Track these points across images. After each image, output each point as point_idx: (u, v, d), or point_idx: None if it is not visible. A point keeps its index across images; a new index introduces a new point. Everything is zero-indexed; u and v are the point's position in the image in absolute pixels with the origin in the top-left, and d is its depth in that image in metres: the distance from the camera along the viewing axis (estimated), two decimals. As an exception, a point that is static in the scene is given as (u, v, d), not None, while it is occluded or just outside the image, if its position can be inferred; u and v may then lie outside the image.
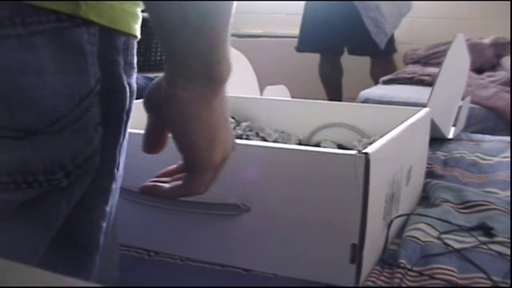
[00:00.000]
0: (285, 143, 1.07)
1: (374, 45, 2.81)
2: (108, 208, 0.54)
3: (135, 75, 0.54)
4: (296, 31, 3.09)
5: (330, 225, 0.68)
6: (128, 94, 0.51)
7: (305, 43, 3.00)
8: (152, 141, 0.57)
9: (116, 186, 0.55)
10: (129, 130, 0.56)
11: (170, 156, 0.77)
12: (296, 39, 3.07)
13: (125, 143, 0.55)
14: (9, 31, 0.41)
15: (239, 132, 1.11)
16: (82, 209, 0.51)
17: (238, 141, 0.74)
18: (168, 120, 0.49)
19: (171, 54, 0.46)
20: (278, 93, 1.43)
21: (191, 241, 0.77)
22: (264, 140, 1.08)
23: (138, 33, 0.52)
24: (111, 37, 0.48)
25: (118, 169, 0.54)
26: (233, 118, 1.16)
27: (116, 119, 0.51)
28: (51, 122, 0.43)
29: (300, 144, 1.12)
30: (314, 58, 3.05)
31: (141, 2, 0.50)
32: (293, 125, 1.15)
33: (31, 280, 0.25)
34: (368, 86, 2.65)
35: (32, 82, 0.42)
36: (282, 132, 1.13)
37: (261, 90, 1.42)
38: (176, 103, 0.47)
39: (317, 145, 1.11)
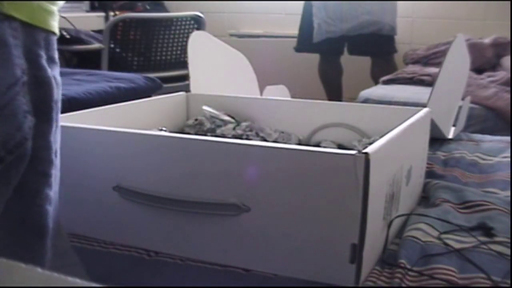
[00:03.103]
0: (285, 143, 1.07)
1: (375, 44, 2.82)
2: (51, 193, 0.57)
3: (58, 69, 0.58)
4: (296, 31, 3.09)
5: (330, 225, 0.68)
6: (54, 85, 0.55)
7: (303, 43, 3.00)
8: None
9: (55, 172, 0.58)
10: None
11: (170, 156, 0.77)
12: (296, 39, 3.07)
13: (58, 132, 0.59)
14: None
15: (239, 132, 1.11)
16: (28, 194, 0.55)
17: (238, 141, 0.75)
18: None
19: None
20: (278, 93, 1.43)
21: (191, 241, 0.77)
22: (264, 140, 1.08)
23: (56, 30, 0.57)
24: (32, 33, 0.53)
25: (56, 155, 0.58)
26: (233, 118, 1.16)
27: (46, 107, 0.55)
28: None
29: (300, 144, 1.12)
30: (314, 58, 3.05)
31: (58, 2, 0.57)
32: (293, 125, 1.15)
33: (31, 280, 0.25)
34: (368, 86, 2.65)
35: None
36: (282, 132, 1.13)
37: (261, 90, 1.42)
38: None
39: (317, 145, 1.11)
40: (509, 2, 2.99)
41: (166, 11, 3.74)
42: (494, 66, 2.77)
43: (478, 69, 2.63)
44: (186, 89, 1.25)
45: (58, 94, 0.57)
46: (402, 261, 0.72)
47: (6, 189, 0.52)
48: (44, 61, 0.54)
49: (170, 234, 0.78)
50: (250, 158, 0.71)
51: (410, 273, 0.70)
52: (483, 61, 2.73)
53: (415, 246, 0.76)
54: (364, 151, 0.64)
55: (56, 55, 0.57)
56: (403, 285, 0.68)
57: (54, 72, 0.56)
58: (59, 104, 0.58)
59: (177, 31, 2.64)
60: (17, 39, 0.50)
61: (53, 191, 0.58)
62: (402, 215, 0.84)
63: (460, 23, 3.28)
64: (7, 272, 0.25)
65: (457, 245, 0.76)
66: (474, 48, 2.54)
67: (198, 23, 2.69)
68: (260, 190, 0.71)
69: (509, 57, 2.68)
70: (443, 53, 1.29)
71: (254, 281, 0.72)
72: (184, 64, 2.66)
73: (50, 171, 0.57)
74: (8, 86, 0.49)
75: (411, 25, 3.43)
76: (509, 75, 2.44)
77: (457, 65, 1.39)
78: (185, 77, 1.31)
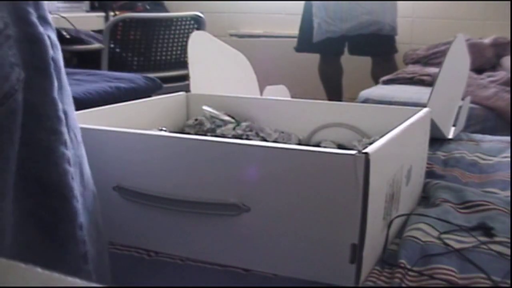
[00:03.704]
0: (285, 143, 1.07)
1: (376, 44, 2.82)
2: (68, 153, 0.56)
3: (52, 31, 0.58)
4: (296, 31, 3.09)
5: (330, 225, 0.68)
6: (48, 42, 0.55)
7: (304, 43, 3.01)
8: None
9: (73, 135, 0.58)
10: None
11: (170, 156, 0.77)
12: (296, 39, 3.07)
13: (68, 93, 0.59)
14: None
15: (239, 132, 1.11)
16: (41, 153, 0.54)
17: (238, 141, 0.75)
18: None
19: None
20: (278, 93, 1.43)
21: (191, 241, 0.77)
22: (264, 140, 1.08)
23: None
24: None
25: (67, 116, 0.57)
26: (233, 118, 1.16)
27: (43, 63, 0.55)
28: None
29: (300, 144, 1.12)
30: (314, 58, 3.05)
31: None
32: (293, 125, 1.15)
33: (31, 280, 0.25)
34: (368, 86, 2.65)
35: None
36: (282, 132, 1.13)
37: (261, 90, 1.42)
38: None
39: (317, 145, 1.11)
40: (509, 2, 2.99)
41: (166, 11, 3.74)
42: (494, 66, 2.78)
43: (478, 69, 2.63)
44: (186, 89, 1.25)
45: (57, 53, 0.57)
46: (402, 261, 0.72)
47: (8, 142, 0.51)
48: (34, 18, 0.54)
49: (170, 234, 0.78)
50: (250, 158, 0.71)
51: (410, 273, 0.70)
52: (483, 61, 2.73)
53: (415, 246, 0.76)
54: (364, 151, 0.65)
55: (48, 16, 0.57)
56: (403, 285, 0.68)
57: (48, 32, 0.56)
58: (61, 64, 0.58)
59: (177, 31, 2.64)
60: None
61: (72, 153, 0.57)
62: (402, 215, 0.84)
63: (460, 23, 3.28)
64: (7, 272, 0.25)
65: (457, 245, 0.76)
66: (474, 48, 2.54)
67: (198, 23, 2.69)
68: (260, 190, 0.71)
69: (509, 57, 2.69)
70: (443, 53, 1.29)
71: (254, 281, 0.72)
72: (184, 64, 2.67)
73: (60, 128, 0.56)
74: None
75: (411, 25, 3.44)
76: (509, 75, 2.45)
77: (457, 65, 1.39)
78: (185, 77, 1.31)
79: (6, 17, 0.51)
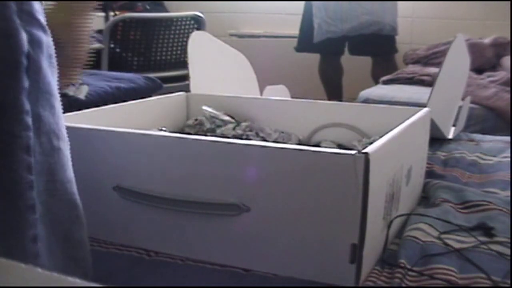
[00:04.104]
0: (285, 143, 1.07)
1: (376, 44, 2.82)
2: (31, 160, 0.52)
3: (41, 29, 0.54)
4: (296, 31, 3.09)
5: (330, 225, 0.68)
6: (25, 39, 0.52)
7: (304, 43, 3.01)
8: None
9: (46, 140, 0.54)
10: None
11: (170, 156, 0.77)
12: (296, 39, 3.07)
13: (47, 96, 0.55)
14: None
15: (239, 132, 1.11)
16: None
17: (238, 141, 0.75)
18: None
19: None
20: (278, 93, 1.43)
21: (191, 241, 0.77)
22: (264, 140, 1.08)
23: None
24: None
25: (39, 120, 0.53)
26: (233, 118, 1.16)
27: (11, 61, 0.51)
28: None
29: (300, 144, 1.12)
30: (314, 58, 3.05)
31: None
32: (293, 125, 1.15)
33: (31, 280, 0.25)
34: (368, 86, 2.65)
35: None
36: (282, 132, 1.13)
37: (261, 90, 1.42)
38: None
39: (317, 145, 1.11)
40: (509, 2, 2.99)
41: (166, 11, 3.74)
42: (494, 66, 2.78)
43: (478, 69, 2.63)
44: (186, 89, 1.25)
45: (36, 52, 0.53)
46: (402, 261, 0.72)
47: None
48: (11, 12, 0.51)
49: (170, 234, 0.78)
50: (250, 158, 0.71)
51: (410, 273, 0.70)
52: (483, 61, 2.73)
53: (415, 246, 0.76)
54: (364, 151, 0.65)
55: (35, 12, 0.54)
56: (403, 285, 0.68)
57: (30, 28, 0.53)
58: (41, 64, 0.54)
59: (177, 31, 2.64)
60: None
61: (37, 160, 0.53)
62: (402, 215, 0.84)
63: (460, 23, 3.28)
64: (7, 272, 0.25)
65: (457, 245, 0.76)
66: (474, 48, 2.54)
67: (198, 23, 2.69)
68: (260, 190, 0.71)
69: (509, 57, 2.69)
70: (443, 53, 1.29)
71: (254, 281, 0.72)
72: (184, 64, 2.67)
73: (20, 133, 0.51)
74: None
75: (411, 25, 3.44)
76: (509, 75, 2.45)
77: (457, 65, 1.39)
78: (185, 77, 1.30)
79: None
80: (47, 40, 0.55)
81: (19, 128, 0.51)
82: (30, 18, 0.53)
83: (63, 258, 0.57)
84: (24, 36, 0.52)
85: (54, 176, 0.55)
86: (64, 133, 0.58)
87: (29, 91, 0.52)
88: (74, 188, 0.59)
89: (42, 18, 0.55)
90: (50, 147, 0.55)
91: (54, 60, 0.56)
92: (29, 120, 0.52)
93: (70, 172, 0.58)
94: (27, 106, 0.52)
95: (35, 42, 0.53)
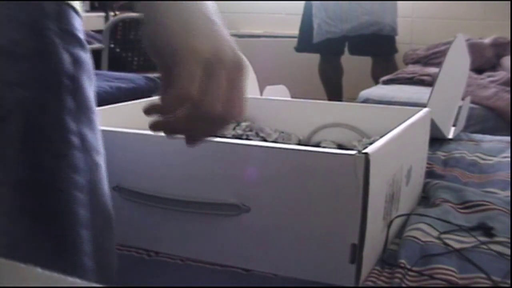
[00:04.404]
0: (285, 143, 1.07)
1: (376, 45, 2.82)
2: (80, 178, 0.52)
3: (82, 47, 0.54)
4: (296, 31, 3.09)
5: (330, 225, 0.68)
6: (66, 59, 0.51)
7: (304, 43, 3.01)
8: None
9: (89, 158, 0.54)
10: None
11: (170, 156, 0.77)
12: (296, 39, 3.07)
13: (88, 115, 0.55)
14: None
15: (239, 132, 1.11)
16: (45, 176, 0.50)
17: (238, 141, 0.75)
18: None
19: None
20: (278, 93, 1.43)
21: (191, 241, 0.77)
22: (264, 140, 1.08)
23: (75, 4, 0.53)
24: (40, 4, 0.50)
25: (83, 139, 0.53)
26: (233, 118, 1.16)
27: (55, 83, 0.51)
28: None
29: (300, 144, 1.12)
30: (314, 58, 3.05)
31: None
32: (293, 125, 1.15)
33: (31, 280, 0.25)
34: (368, 86, 2.65)
35: None
36: (282, 132, 1.13)
37: (261, 90, 1.42)
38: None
39: (317, 145, 1.11)
40: (509, 2, 2.99)
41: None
42: (494, 66, 2.78)
43: (478, 69, 2.63)
44: (186, 89, 1.25)
45: (78, 71, 0.53)
46: (402, 261, 0.72)
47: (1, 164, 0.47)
48: (52, 34, 0.50)
49: (170, 234, 0.78)
50: (250, 158, 0.71)
51: (410, 273, 0.70)
52: (483, 61, 2.73)
53: (415, 246, 0.76)
54: (364, 151, 0.64)
55: (76, 30, 0.53)
56: (403, 285, 0.68)
57: (71, 47, 0.52)
58: (82, 83, 0.53)
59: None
60: (11, 10, 0.47)
61: (85, 178, 0.53)
62: (402, 215, 0.84)
63: (460, 23, 3.28)
64: (7, 272, 0.25)
65: (457, 245, 0.76)
66: (474, 48, 2.54)
67: (198, 23, 2.68)
68: (260, 190, 0.71)
69: (509, 57, 2.69)
70: (443, 53, 1.29)
71: (254, 281, 0.72)
72: (184, 64, 2.65)
73: (67, 152, 0.52)
74: None
75: (411, 25, 3.43)
76: (509, 75, 2.44)
77: (457, 65, 1.39)
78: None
79: (14, 34, 0.47)
80: (86, 56, 0.54)
81: (66, 148, 0.52)
82: (70, 37, 0.52)
83: (96, 266, 0.57)
84: (65, 57, 0.51)
85: (96, 192, 0.56)
86: (102, 146, 0.58)
87: (72, 110, 0.52)
88: (109, 200, 0.59)
89: (81, 35, 0.54)
90: (92, 163, 0.55)
91: (92, 74, 0.56)
92: (74, 139, 0.52)
93: (106, 186, 0.59)
94: (72, 125, 0.52)
95: (76, 61, 0.53)
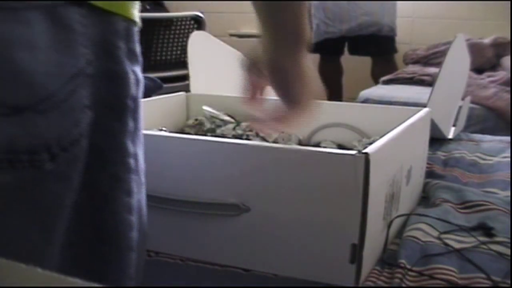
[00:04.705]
0: (285, 143, 1.07)
1: (375, 45, 2.82)
2: (132, 201, 0.53)
3: (139, 65, 0.53)
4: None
5: (330, 225, 0.68)
6: (132, 80, 0.51)
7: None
8: (251, 93, 0.70)
9: (138, 179, 0.54)
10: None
11: (170, 156, 0.77)
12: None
13: (139, 134, 0.54)
14: (5, 4, 0.41)
15: (239, 132, 1.11)
16: (99, 199, 0.50)
17: (238, 141, 0.75)
18: (270, 72, 0.61)
19: (272, 24, 0.60)
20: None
21: (191, 241, 0.77)
22: (264, 140, 1.08)
23: (137, 19, 0.52)
24: (111, 21, 0.48)
25: (136, 160, 0.53)
26: (233, 118, 1.16)
27: (119, 105, 0.50)
28: (39, 99, 0.43)
29: (300, 144, 1.12)
30: (314, 58, 3.05)
31: None
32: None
33: (31, 280, 0.25)
34: (368, 86, 2.65)
35: (25, 57, 0.41)
36: (282, 132, 1.13)
37: (261, 90, 1.42)
38: (276, 63, 0.60)
39: (317, 145, 1.11)
40: (509, 2, 2.99)
41: (166, 11, 3.74)
42: (494, 66, 2.78)
43: (478, 69, 2.63)
44: (186, 89, 1.25)
45: (137, 91, 0.52)
46: (402, 261, 0.72)
47: (66, 189, 0.46)
48: (122, 54, 0.49)
49: (170, 234, 0.78)
50: (250, 158, 0.71)
51: (410, 273, 0.70)
52: (483, 61, 2.73)
53: (415, 246, 0.76)
54: (364, 151, 0.64)
55: (137, 48, 0.52)
56: (403, 285, 0.68)
57: (134, 66, 0.52)
58: (139, 103, 0.53)
59: (177, 31, 2.64)
60: (86, 27, 0.46)
61: (135, 199, 0.53)
62: (402, 215, 0.84)
63: (460, 23, 3.28)
64: (7, 272, 0.25)
65: (457, 245, 0.76)
66: (474, 48, 2.54)
67: (198, 23, 2.69)
68: (260, 190, 0.71)
69: (509, 57, 2.69)
70: (443, 53, 1.29)
71: (254, 281, 0.72)
72: (184, 64, 2.67)
73: (125, 175, 0.52)
74: (71, 76, 0.44)
75: (411, 25, 3.43)
76: (509, 75, 2.45)
77: (457, 65, 1.39)
78: (185, 77, 1.31)
79: (90, 54, 0.46)
80: (140, 74, 0.54)
81: (124, 171, 0.52)
82: (133, 56, 0.52)
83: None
84: (131, 78, 0.51)
85: (141, 212, 0.56)
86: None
87: (131, 132, 0.52)
88: (146, 217, 0.59)
89: (139, 52, 0.53)
90: (141, 183, 0.55)
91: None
92: (132, 162, 0.52)
93: (145, 203, 0.59)
94: (131, 148, 0.52)
95: (137, 81, 0.52)
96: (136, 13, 0.52)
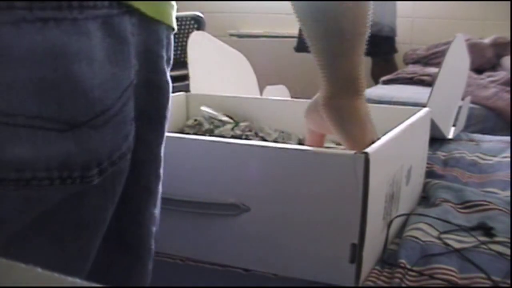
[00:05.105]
0: (285, 143, 1.07)
1: (375, 45, 2.82)
2: (156, 212, 0.52)
3: (169, 72, 0.52)
4: (296, 31, 3.09)
5: (330, 225, 0.68)
6: (170, 90, 0.50)
7: (304, 43, 3.01)
8: (312, 139, 0.75)
9: (160, 188, 0.54)
10: None
11: (170, 156, 0.77)
12: (296, 39, 3.07)
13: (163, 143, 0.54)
14: (66, 14, 0.39)
15: (238, 132, 1.11)
16: (129, 211, 0.49)
17: (238, 141, 0.75)
18: (330, 123, 0.64)
19: (330, 76, 0.62)
20: (278, 93, 1.43)
21: (191, 241, 0.77)
22: (264, 140, 1.08)
23: (175, 26, 0.51)
24: (156, 29, 0.47)
25: (163, 170, 0.53)
26: (232, 118, 1.16)
27: (157, 116, 0.49)
28: (96, 114, 0.41)
29: (300, 144, 1.12)
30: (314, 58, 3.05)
31: None
32: (293, 125, 1.15)
33: (31, 280, 0.25)
34: (368, 86, 2.65)
35: (84, 71, 0.40)
36: (282, 132, 1.13)
37: (261, 90, 1.42)
38: (335, 109, 0.63)
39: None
40: (509, 2, 2.99)
41: (166, 11, 3.74)
42: (494, 66, 2.78)
43: (478, 69, 2.63)
44: (186, 89, 1.25)
45: (170, 100, 0.51)
46: (402, 261, 0.72)
47: (109, 203, 0.46)
48: (164, 63, 0.48)
49: (170, 234, 0.78)
50: (250, 158, 0.71)
51: (410, 273, 0.70)
52: (483, 61, 2.74)
53: (415, 246, 0.76)
54: (364, 151, 0.65)
55: (172, 55, 0.51)
56: (403, 285, 0.68)
57: (169, 75, 0.50)
58: (170, 111, 0.52)
59: (177, 31, 2.64)
60: (134, 36, 0.44)
61: (159, 210, 0.53)
62: (402, 215, 0.84)
63: (460, 23, 3.28)
64: (7, 272, 0.25)
65: (457, 245, 0.76)
66: (474, 48, 2.54)
67: (198, 23, 2.69)
68: (260, 190, 0.71)
69: (509, 57, 2.69)
70: (443, 53, 1.29)
71: (254, 281, 0.72)
72: (184, 64, 2.67)
73: (155, 188, 0.51)
74: (123, 90, 0.43)
75: (411, 25, 3.43)
76: (509, 75, 2.45)
77: (457, 65, 1.39)
78: (185, 77, 1.31)
79: (137, 64, 0.45)
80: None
81: (155, 184, 0.51)
82: (169, 65, 0.51)
83: None
84: (169, 88, 0.49)
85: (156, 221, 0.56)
86: None
87: (163, 142, 0.51)
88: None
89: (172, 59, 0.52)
90: (159, 191, 0.55)
91: None
92: (161, 172, 0.52)
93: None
94: (162, 159, 0.51)
95: (171, 90, 0.51)
96: (174, 19, 0.51)
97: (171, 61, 0.51)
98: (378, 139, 0.68)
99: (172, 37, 0.51)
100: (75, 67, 0.39)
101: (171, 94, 0.51)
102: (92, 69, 0.40)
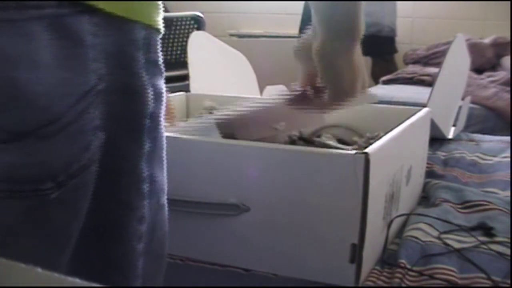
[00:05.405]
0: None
1: (375, 45, 2.82)
2: (140, 227, 0.48)
3: (162, 77, 0.48)
4: (296, 31, 3.09)
5: (330, 225, 0.68)
6: (150, 96, 0.46)
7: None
8: (303, 82, 0.72)
9: (155, 202, 0.50)
10: None
11: (170, 156, 0.77)
12: (296, 39, 3.07)
13: (160, 153, 0.50)
14: (2, 15, 0.36)
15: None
16: (108, 227, 0.47)
17: (237, 141, 0.75)
18: (320, 67, 0.62)
19: (326, 21, 0.59)
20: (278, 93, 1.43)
21: (191, 241, 0.77)
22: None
23: (161, 27, 0.47)
24: (128, 30, 0.43)
25: (153, 182, 0.49)
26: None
27: (134, 124, 0.45)
28: (43, 124, 0.38)
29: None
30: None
31: None
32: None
33: (31, 280, 0.25)
34: (368, 86, 2.65)
35: (26, 76, 0.37)
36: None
37: (261, 90, 1.42)
38: (327, 55, 0.60)
39: (318, 139, 1.10)
40: (509, 2, 2.99)
41: (166, 11, 3.74)
42: (494, 66, 2.78)
43: (478, 69, 2.63)
44: (186, 89, 1.25)
45: (157, 107, 0.47)
46: (402, 261, 0.72)
47: (73, 217, 0.43)
48: (140, 67, 0.44)
49: (170, 234, 0.78)
50: (250, 158, 0.71)
51: (410, 273, 0.70)
52: (483, 61, 2.73)
53: (415, 246, 0.76)
54: (364, 151, 0.64)
55: (159, 58, 0.47)
56: (403, 285, 0.68)
57: (155, 79, 0.46)
58: (160, 120, 0.48)
59: (177, 31, 2.64)
60: (97, 38, 0.40)
61: (147, 226, 0.49)
62: (402, 215, 0.84)
63: (460, 23, 3.28)
64: (7, 272, 0.25)
65: (457, 245, 0.76)
66: (474, 48, 2.54)
67: (198, 23, 2.69)
68: (260, 190, 0.71)
69: (509, 57, 2.69)
70: (443, 53, 1.29)
71: (254, 281, 0.72)
72: (184, 64, 2.67)
73: (137, 202, 0.47)
74: (79, 98, 0.40)
75: (411, 25, 3.43)
76: (509, 75, 2.45)
77: (457, 65, 1.39)
78: (185, 77, 1.31)
79: (101, 68, 0.41)
80: (163, 85, 0.49)
81: (137, 199, 0.47)
82: (154, 68, 0.47)
83: None
84: (150, 93, 0.45)
85: (153, 234, 0.52)
86: (166, 184, 0.53)
87: (148, 153, 0.47)
88: (166, 240, 0.55)
89: (161, 63, 0.48)
90: (157, 206, 0.52)
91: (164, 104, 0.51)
92: (146, 188, 0.48)
93: (166, 226, 0.55)
94: (145, 172, 0.47)
95: (157, 96, 0.47)
96: (159, 19, 0.47)
97: (159, 64, 0.48)
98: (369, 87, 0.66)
99: (155, 37, 0.47)
100: (15, 73, 0.37)
101: (152, 100, 0.46)
102: (36, 74, 0.37)
